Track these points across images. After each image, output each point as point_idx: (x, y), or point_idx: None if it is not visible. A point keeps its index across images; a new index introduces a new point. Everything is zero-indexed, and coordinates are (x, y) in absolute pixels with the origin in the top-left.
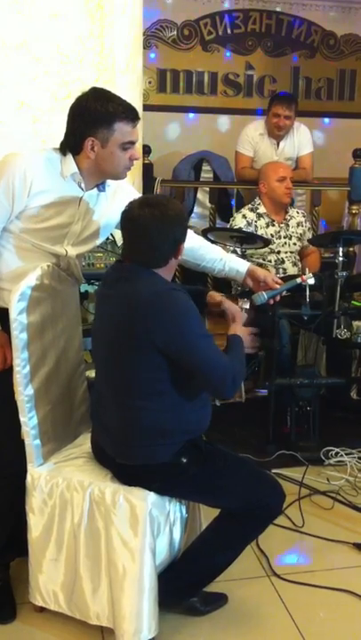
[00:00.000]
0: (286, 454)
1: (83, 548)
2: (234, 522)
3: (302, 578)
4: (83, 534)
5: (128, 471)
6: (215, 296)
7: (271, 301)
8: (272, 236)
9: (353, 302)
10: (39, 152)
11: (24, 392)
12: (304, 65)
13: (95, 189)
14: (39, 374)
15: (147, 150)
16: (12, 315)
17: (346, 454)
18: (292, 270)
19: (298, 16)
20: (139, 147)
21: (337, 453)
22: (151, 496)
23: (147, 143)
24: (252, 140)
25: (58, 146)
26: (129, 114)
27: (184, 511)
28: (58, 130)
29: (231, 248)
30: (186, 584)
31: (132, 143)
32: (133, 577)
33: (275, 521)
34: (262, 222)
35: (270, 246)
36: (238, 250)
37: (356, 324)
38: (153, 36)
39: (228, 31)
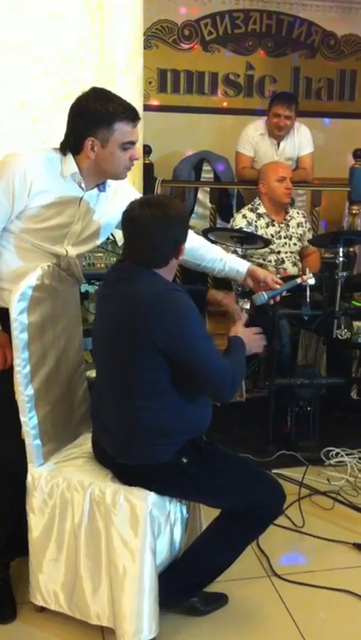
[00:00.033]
0: (286, 454)
1: (83, 548)
2: (234, 522)
3: (303, 578)
4: (83, 534)
5: (128, 471)
6: (216, 294)
7: (271, 301)
8: (272, 236)
9: (353, 302)
10: (39, 152)
11: (24, 392)
12: (304, 65)
13: (95, 189)
14: (39, 374)
15: (147, 150)
16: (13, 315)
17: (346, 454)
18: (292, 270)
19: (298, 16)
20: (139, 147)
21: (337, 454)
22: (152, 496)
23: (147, 143)
24: (253, 140)
25: (58, 146)
26: (129, 114)
27: (184, 511)
28: (58, 130)
29: (232, 248)
30: (186, 584)
31: (133, 143)
32: (134, 577)
33: (275, 521)
34: (262, 222)
35: (270, 246)
36: (239, 250)
37: (356, 324)
38: (153, 36)
39: (229, 31)
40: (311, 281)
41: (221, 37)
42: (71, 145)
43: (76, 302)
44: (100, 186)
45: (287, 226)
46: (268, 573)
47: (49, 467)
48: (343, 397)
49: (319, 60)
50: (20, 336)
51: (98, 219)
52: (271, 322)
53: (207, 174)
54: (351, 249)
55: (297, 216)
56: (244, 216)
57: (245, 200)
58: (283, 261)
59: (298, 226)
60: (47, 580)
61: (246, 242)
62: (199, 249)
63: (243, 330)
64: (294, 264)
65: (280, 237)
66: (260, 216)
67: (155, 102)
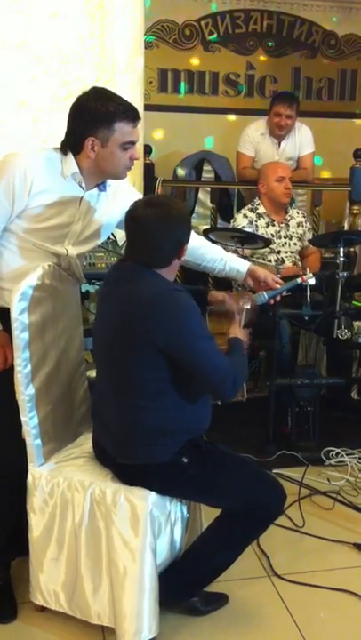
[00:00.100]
0: (287, 454)
1: (83, 548)
2: (234, 522)
3: (303, 578)
4: (83, 534)
5: (129, 471)
6: (217, 295)
7: (272, 301)
8: (272, 235)
9: (354, 302)
10: (39, 152)
11: (25, 392)
12: (305, 65)
13: (96, 189)
14: (40, 374)
15: (148, 150)
16: (13, 314)
17: (346, 454)
18: (292, 271)
19: (299, 16)
20: (139, 146)
21: (337, 454)
22: (152, 496)
23: (148, 143)
24: (253, 140)
25: (58, 145)
26: (129, 114)
27: (185, 511)
28: (58, 130)
29: (233, 248)
30: (186, 584)
31: (133, 143)
32: (134, 577)
33: (275, 521)
34: (262, 222)
35: (270, 246)
36: (240, 250)
37: (356, 324)
38: (154, 35)
39: (230, 31)
40: (311, 281)
41: (222, 37)
42: (71, 145)
43: (77, 302)
44: (101, 185)
45: (287, 225)
46: (269, 573)
47: (49, 466)
48: (343, 397)
49: (320, 60)
50: (20, 336)
51: (98, 218)
52: (272, 322)
53: (208, 174)
54: (352, 249)
55: (297, 216)
56: (245, 215)
57: (246, 200)
58: (283, 261)
59: (298, 225)
60: (48, 579)
61: (247, 242)
62: (199, 249)
63: (240, 330)
64: (294, 264)
65: (280, 237)
66: (260, 216)
67: (155, 102)
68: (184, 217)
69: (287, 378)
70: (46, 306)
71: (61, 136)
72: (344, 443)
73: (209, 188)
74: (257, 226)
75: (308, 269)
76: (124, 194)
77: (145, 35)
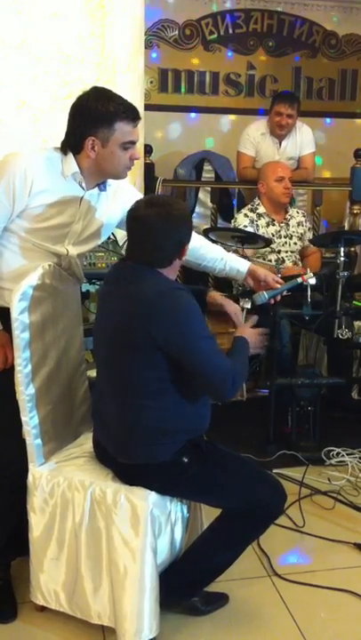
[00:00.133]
0: (287, 454)
1: (84, 548)
2: (235, 522)
3: (303, 578)
4: (84, 534)
5: (129, 470)
6: (216, 297)
7: (272, 301)
8: (273, 235)
9: (354, 302)
10: (39, 151)
11: (25, 391)
12: (305, 65)
13: (96, 189)
14: (40, 374)
15: (148, 150)
16: (14, 314)
17: (347, 454)
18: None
19: (299, 16)
20: (140, 146)
21: (338, 453)
22: (152, 496)
23: (148, 143)
24: (254, 140)
25: (58, 145)
26: (130, 113)
27: (185, 511)
28: (58, 129)
29: (233, 248)
30: (187, 584)
31: (133, 143)
32: (134, 576)
33: (276, 521)
34: (263, 222)
35: (271, 246)
36: (240, 250)
37: (357, 324)
38: (154, 35)
39: (230, 31)
40: (312, 281)
41: (222, 37)
42: (72, 144)
43: (77, 302)
44: (101, 185)
45: (287, 225)
46: (269, 573)
47: (50, 466)
48: (344, 397)
49: (320, 60)
50: (20, 335)
51: (98, 218)
52: (272, 322)
53: (208, 174)
54: (352, 249)
55: (297, 215)
56: (246, 215)
57: (246, 200)
58: (283, 261)
59: (298, 225)
60: (48, 579)
61: (247, 241)
62: (200, 248)
63: (249, 330)
64: (295, 263)
65: (280, 237)
66: (260, 216)
67: (155, 102)
68: (185, 217)
69: (288, 378)
70: (46, 305)
71: (61, 136)
72: (344, 442)
73: (209, 188)
74: (257, 225)
75: (308, 269)
76: (124, 194)
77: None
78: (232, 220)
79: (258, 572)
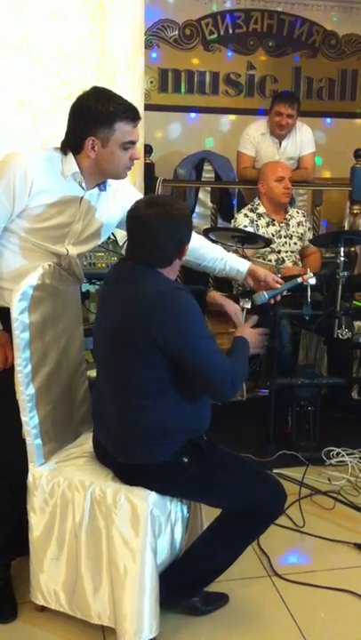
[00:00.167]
0: (287, 454)
1: (84, 548)
2: (234, 522)
3: (303, 578)
4: (84, 534)
5: (129, 470)
6: (216, 297)
7: (272, 301)
8: (273, 235)
9: (354, 302)
10: (39, 151)
11: (25, 391)
12: (305, 65)
13: (96, 189)
14: (40, 374)
15: (148, 150)
16: (14, 314)
17: (347, 454)
18: (293, 270)
19: (299, 16)
20: (140, 146)
21: (338, 453)
22: (152, 496)
23: (148, 143)
24: (254, 140)
25: (58, 145)
26: (130, 113)
27: (185, 511)
28: (58, 129)
29: (233, 248)
30: (187, 584)
31: (133, 143)
32: (134, 576)
33: (276, 521)
34: (263, 222)
35: (271, 246)
36: (240, 250)
37: (357, 324)
38: (154, 35)
39: (230, 31)
40: (312, 281)
41: (223, 37)
42: (72, 144)
43: (77, 302)
44: (101, 185)
45: (287, 225)
46: (269, 573)
47: (50, 466)
48: (344, 397)
49: (320, 60)
50: (20, 335)
51: (98, 218)
52: (272, 322)
53: (208, 174)
54: (352, 249)
55: (297, 215)
56: (246, 215)
57: (247, 200)
58: (283, 261)
59: (298, 225)
60: (48, 579)
61: (247, 241)
62: (200, 248)
63: (248, 330)
64: (295, 263)
65: (280, 237)
66: (260, 216)
67: (156, 102)
68: (185, 217)
69: (288, 378)
70: (46, 305)
71: (61, 136)
72: (345, 442)
73: (209, 188)
74: (257, 225)
75: (308, 269)
76: (124, 194)
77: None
78: (232, 220)
79: (258, 572)
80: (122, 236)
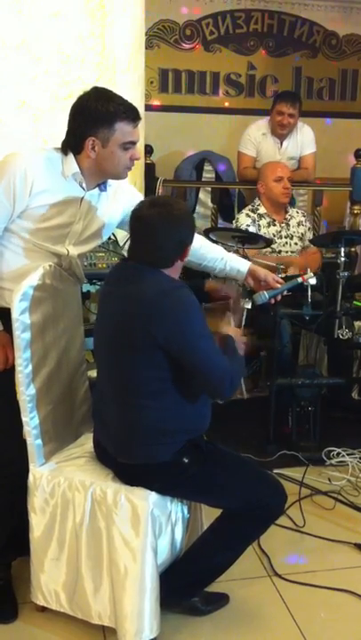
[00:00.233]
0: (287, 454)
1: (84, 548)
2: (235, 522)
3: (304, 578)
4: (84, 534)
5: (129, 470)
6: (214, 285)
7: (272, 301)
8: (273, 235)
9: (355, 302)
10: (39, 151)
11: (26, 392)
12: (306, 65)
13: (96, 189)
14: (41, 374)
15: (148, 150)
16: (14, 314)
17: (347, 454)
18: (293, 270)
19: (300, 16)
20: (140, 147)
21: (338, 454)
22: (153, 496)
23: (148, 143)
24: (255, 141)
25: (59, 145)
26: (130, 114)
27: (186, 511)
28: (59, 130)
29: (234, 248)
30: (187, 584)
31: (133, 143)
32: (135, 577)
33: (276, 521)
34: (264, 222)
35: (272, 246)
36: (240, 250)
37: (357, 324)
38: (155, 35)
39: (230, 31)
40: (312, 280)
41: (223, 37)
42: (72, 145)
43: (78, 302)
44: (101, 185)
45: (288, 225)
46: (269, 573)
47: (50, 466)
48: (344, 397)
49: (321, 60)
50: (21, 336)
51: (99, 218)
52: (272, 322)
53: (208, 174)
54: (353, 249)
55: (297, 215)
56: (248, 215)
57: (247, 200)
58: None
59: (298, 225)
60: (48, 579)
61: (248, 241)
62: (200, 248)
63: (232, 329)
64: None
65: (281, 237)
66: (260, 216)
67: (156, 102)
68: (188, 218)
69: (288, 378)
70: (47, 306)
71: (62, 136)
72: (345, 443)
73: (210, 188)
74: (259, 225)
75: (308, 269)
76: (124, 194)
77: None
78: (233, 221)
79: (258, 572)
80: (122, 236)
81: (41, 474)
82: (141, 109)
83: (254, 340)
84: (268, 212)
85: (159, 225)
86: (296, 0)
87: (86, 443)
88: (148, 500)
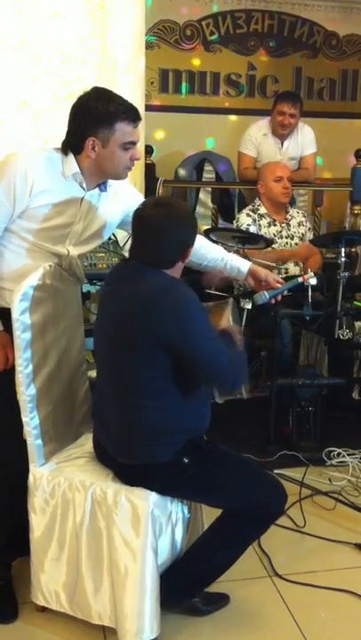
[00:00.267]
0: (288, 454)
1: (84, 548)
2: (235, 522)
3: (304, 578)
4: (85, 534)
5: (129, 471)
6: (211, 274)
7: (273, 301)
8: (274, 235)
9: (355, 303)
10: (39, 152)
11: (26, 392)
12: (306, 65)
13: (97, 189)
14: (41, 374)
15: (149, 150)
16: (14, 315)
17: (348, 455)
18: (293, 270)
19: (300, 16)
20: (140, 147)
21: (339, 454)
22: (153, 496)
23: (149, 143)
24: (256, 141)
25: (59, 145)
26: (130, 114)
27: (186, 511)
28: (59, 130)
29: (234, 248)
30: (187, 584)
31: (133, 143)
32: (135, 577)
33: (276, 521)
34: (264, 222)
35: (272, 246)
36: (240, 250)
37: (357, 324)
38: (155, 35)
39: (231, 31)
40: (313, 281)
41: (223, 37)
42: (72, 145)
43: (78, 302)
44: (102, 186)
45: (288, 225)
46: (270, 573)
47: (50, 467)
48: (344, 398)
49: (321, 61)
50: (21, 336)
51: (99, 219)
52: (273, 322)
53: (209, 174)
54: (353, 249)
55: (297, 215)
56: (249, 215)
57: (247, 200)
58: (284, 261)
59: (299, 225)
60: (48, 579)
61: (248, 242)
62: (200, 248)
63: (231, 328)
64: (296, 264)
65: (282, 237)
66: (261, 216)
67: (156, 102)
68: (191, 219)
69: (288, 378)
70: (47, 306)
71: (62, 136)
72: (345, 443)
73: (210, 189)
74: (259, 225)
75: (309, 269)
76: (124, 194)
77: (146, 35)
78: (234, 221)
79: (258, 572)
80: (122, 236)
81: (41, 474)
82: (142, 110)
83: (250, 339)
84: (269, 212)
85: (163, 225)
86: (296, 0)
87: (86, 443)
88: (148, 500)
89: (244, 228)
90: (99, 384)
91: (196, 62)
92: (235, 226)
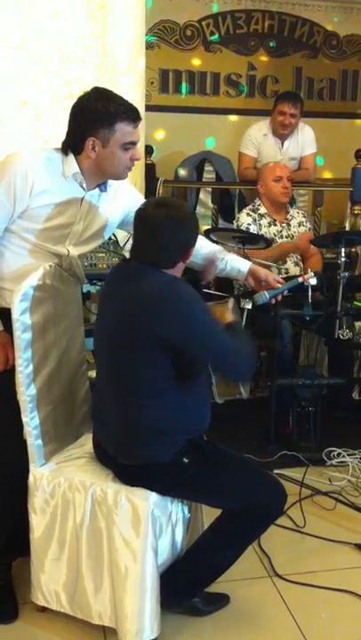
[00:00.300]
0: (288, 455)
1: (85, 548)
2: (235, 522)
3: (304, 578)
4: (85, 534)
5: (129, 471)
6: (208, 268)
7: (273, 301)
8: (274, 235)
9: (355, 303)
10: (40, 152)
11: (26, 392)
12: (306, 65)
13: (97, 189)
14: (41, 374)
15: (149, 151)
16: (15, 315)
17: (348, 455)
18: (293, 270)
19: (300, 16)
20: (140, 147)
21: (339, 454)
22: (153, 496)
23: (149, 143)
24: (256, 141)
25: (59, 145)
26: (130, 114)
27: (186, 511)
28: (59, 130)
29: (234, 248)
30: (187, 584)
31: (134, 143)
32: (135, 577)
33: (276, 521)
34: (264, 222)
35: (273, 246)
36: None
37: (358, 324)
38: (155, 35)
39: (231, 31)
40: (313, 281)
41: (223, 38)
42: (72, 145)
43: (78, 302)
44: (102, 186)
45: (288, 225)
46: (270, 573)
47: (50, 467)
48: (344, 398)
49: (321, 61)
50: (22, 336)
51: (99, 219)
52: (273, 322)
53: (209, 174)
54: (353, 249)
55: (297, 215)
56: (249, 214)
57: (247, 200)
58: (285, 261)
59: (299, 225)
60: (49, 579)
61: (248, 242)
62: (201, 248)
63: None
64: (296, 264)
65: (282, 237)
66: (261, 216)
67: (156, 102)
68: (192, 220)
69: (288, 378)
70: (47, 306)
71: (62, 136)
72: (345, 443)
73: (210, 189)
74: (260, 225)
75: (309, 269)
76: (125, 194)
77: (146, 35)
78: (234, 221)
79: (259, 572)
80: (123, 236)
81: (41, 474)
82: (142, 110)
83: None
84: (269, 212)
85: (165, 225)
86: (297, 1)
87: (86, 443)
88: (148, 500)
89: (244, 227)
90: (99, 384)
91: (197, 62)
92: (235, 225)
